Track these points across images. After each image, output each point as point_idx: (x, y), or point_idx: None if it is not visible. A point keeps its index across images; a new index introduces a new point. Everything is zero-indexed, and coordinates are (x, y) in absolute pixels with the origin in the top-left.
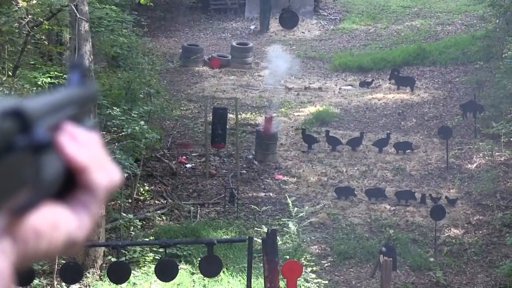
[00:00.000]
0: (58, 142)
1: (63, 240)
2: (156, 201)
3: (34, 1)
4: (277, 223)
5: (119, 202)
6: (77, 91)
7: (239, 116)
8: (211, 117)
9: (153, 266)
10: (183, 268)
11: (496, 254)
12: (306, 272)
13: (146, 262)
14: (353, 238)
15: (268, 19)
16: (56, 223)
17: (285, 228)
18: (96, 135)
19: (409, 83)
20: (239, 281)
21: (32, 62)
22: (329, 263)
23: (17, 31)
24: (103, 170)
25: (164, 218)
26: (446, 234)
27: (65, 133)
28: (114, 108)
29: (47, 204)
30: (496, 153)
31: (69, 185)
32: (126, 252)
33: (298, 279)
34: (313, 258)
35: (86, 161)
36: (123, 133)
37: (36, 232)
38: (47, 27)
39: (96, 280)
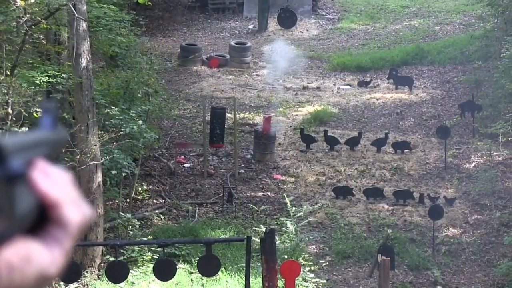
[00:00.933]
0: (32, 177)
1: (36, 275)
2: (155, 201)
3: (32, 0)
4: (275, 222)
5: (117, 201)
6: (48, 134)
7: (237, 115)
8: (209, 117)
9: (151, 266)
10: (181, 268)
11: (494, 254)
12: (304, 271)
13: (144, 262)
14: (351, 237)
15: (266, 18)
16: (29, 257)
17: (283, 228)
18: (67, 174)
19: (408, 82)
20: (237, 280)
21: (30, 61)
22: (327, 263)
23: (15, 30)
24: (75, 206)
25: (162, 217)
26: (444, 234)
27: (38, 169)
28: (112, 107)
29: (20, 238)
30: (494, 153)
31: (42, 220)
32: (125, 252)
33: (296, 278)
34: (311, 258)
35: (58, 196)
36: (121, 133)
37: (9, 266)
38: (45, 26)
39: (94, 280)
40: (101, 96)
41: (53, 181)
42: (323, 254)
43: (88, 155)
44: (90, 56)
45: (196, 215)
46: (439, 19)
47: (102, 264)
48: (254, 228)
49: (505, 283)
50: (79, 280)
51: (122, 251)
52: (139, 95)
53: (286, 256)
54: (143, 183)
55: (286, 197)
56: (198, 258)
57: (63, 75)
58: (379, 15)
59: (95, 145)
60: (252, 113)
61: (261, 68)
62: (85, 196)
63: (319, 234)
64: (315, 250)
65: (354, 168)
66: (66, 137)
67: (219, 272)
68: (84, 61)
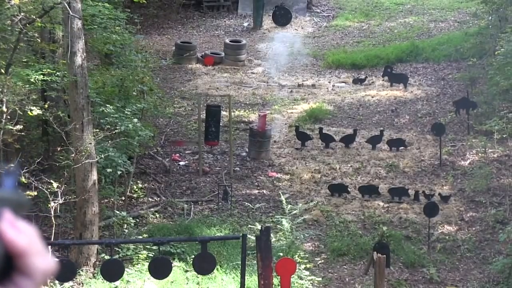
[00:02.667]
0: None
1: None
2: (150, 199)
3: None
4: (270, 220)
5: (112, 199)
6: (10, 193)
7: (232, 113)
8: (205, 115)
9: (146, 264)
10: (177, 266)
11: (489, 251)
12: (299, 269)
13: (139, 260)
14: (346, 235)
15: (261, 16)
16: None
17: (278, 226)
18: (32, 227)
19: (402, 80)
20: (232, 278)
21: (25, 60)
22: (322, 260)
23: (9, 28)
24: (40, 256)
25: (157, 215)
26: (440, 231)
27: (5, 220)
28: (107, 105)
29: None
30: (489, 150)
31: (8, 269)
32: (120, 250)
33: (292, 276)
34: (307, 255)
35: (24, 246)
36: (116, 131)
37: None
38: (39, 24)
39: (90, 278)
40: (96, 94)
41: (19, 232)
42: (318, 251)
43: (83, 153)
44: (85, 54)
45: (192, 213)
46: (434, 16)
47: (97, 263)
48: (249, 226)
49: (500, 280)
50: (74, 279)
51: (117, 249)
52: (134, 93)
53: (281, 254)
54: (138, 181)
55: (281, 194)
56: (193, 256)
57: (57, 73)
58: (374, 13)
59: (90, 143)
60: (247, 110)
61: (256, 65)
62: (80, 194)
63: (314, 232)
64: (311, 247)
65: (349, 165)
66: (27, 200)
67: (215, 270)
68: (79, 59)
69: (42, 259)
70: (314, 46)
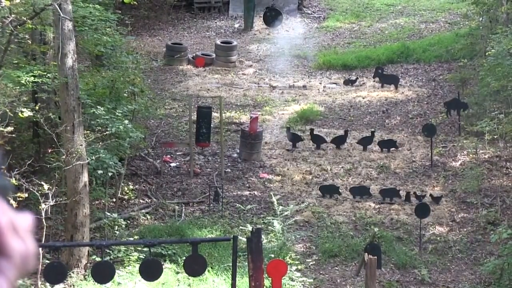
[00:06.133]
0: None
1: None
2: (141, 200)
3: (17, 0)
4: (261, 221)
5: (103, 201)
6: None
7: (223, 114)
8: (196, 116)
9: (137, 266)
10: (168, 268)
11: (480, 252)
12: (291, 270)
13: (130, 262)
14: (338, 236)
15: (252, 17)
16: None
17: (269, 227)
18: (16, 211)
19: (393, 81)
20: (223, 280)
21: (16, 61)
22: (314, 262)
23: (0, 30)
24: (21, 239)
25: (148, 217)
26: (431, 232)
27: None
28: (98, 107)
29: None
30: (480, 151)
31: None
32: (111, 252)
33: (283, 277)
34: (298, 257)
35: (3, 224)
36: (107, 132)
37: None
38: (30, 26)
39: (81, 280)
40: (87, 96)
41: (1, 211)
42: (309, 253)
43: (74, 155)
44: (75, 55)
45: (183, 214)
46: (425, 17)
47: (88, 265)
48: (240, 227)
49: (491, 281)
50: (65, 281)
51: (108, 251)
52: (125, 94)
53: (272, 255)
54: (129, 183)
55: (272, 196)
56: (184, 257)
57: (48, 75)
58: (365, 14)
59: (81, 145)
60: (239, 112)
61: (247, 67)
62: (71, 196)
63: (305, 233)
64: (302, 249)
65: (340, 166)
66: (12, 186)
67: (206, 272)
68: (69, 61)
69: (22, 241)
70: (305, 47)
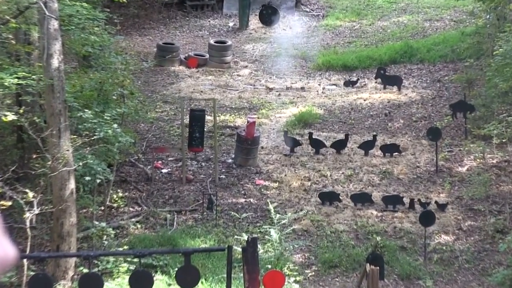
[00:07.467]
0: None
1: None
2: (131, 208)
3: None
4: (258, 230)
5: (91, 209)
6: None
7: (217, 118)
8: (188, 120)
9: (127, 277)
10: (159, 279)
11: (488, 262)
12: (289, 282)
13: (119, 273)
14: (338, 246)
15: (247, 15)
16: None
17: (266, 236)
18: None
19: (396, 82)
20: None
21: None
22: (313, 273)
23: None
24: None
25: (139, 226)
26: (436, 241)
27: None
28: (86, 110)
29: None
30: (488, 155)
31: None
32: (99, 263)
33: None
34: (296, 268)
35: None
36: (95, 137)
37: None
38: (14, 25)
39: None
40: (74, 99)
41: None
42: (308, 263)
43: (60, 160)
44: (62, 56)
45: (175, 223)
46: (429, 15)
47: (75, 276)
48: (235, 236)
49: None
50: None
51: (96, 262)
52: (113, 97)
53: (269, 266)
54: (119, 190)
55: (269, 203)
56: (176, 268)
57: (33, 76)
58: (366, 11)
59: (68, 150)
60: (233, 115)
61: (242, 67)
62: (57, 204)
63: (304, 243)
64: (300, 259)
65: (340, 172)
66: None
67: (199, 284)
68: (55, 62)
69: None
70: (303, 47)
